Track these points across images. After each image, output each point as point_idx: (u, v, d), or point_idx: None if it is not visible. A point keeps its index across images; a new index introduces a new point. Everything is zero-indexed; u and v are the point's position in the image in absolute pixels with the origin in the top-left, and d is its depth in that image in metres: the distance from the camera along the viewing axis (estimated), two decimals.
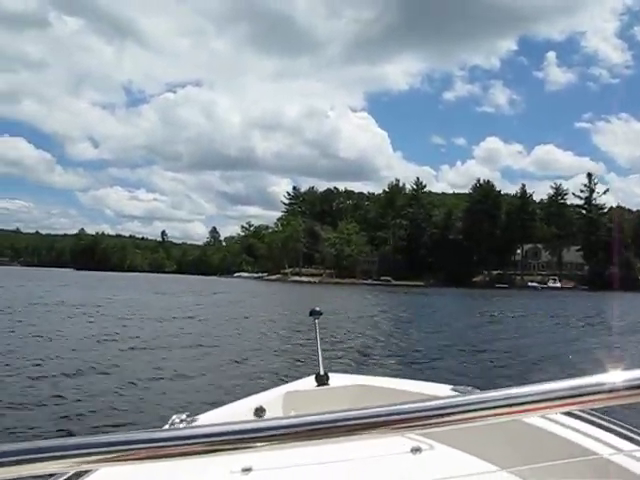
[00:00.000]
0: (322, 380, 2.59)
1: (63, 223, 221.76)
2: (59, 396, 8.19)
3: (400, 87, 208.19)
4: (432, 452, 1.91)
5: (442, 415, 0.71)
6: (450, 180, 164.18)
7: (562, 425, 1.75)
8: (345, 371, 3.37)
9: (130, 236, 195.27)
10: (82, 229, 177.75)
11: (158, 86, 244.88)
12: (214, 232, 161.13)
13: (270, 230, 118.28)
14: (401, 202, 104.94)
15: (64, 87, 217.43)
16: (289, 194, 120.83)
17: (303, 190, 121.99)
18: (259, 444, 0.68)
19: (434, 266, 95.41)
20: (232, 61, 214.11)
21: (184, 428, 0.68)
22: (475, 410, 0.71)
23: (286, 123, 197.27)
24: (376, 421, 0.70)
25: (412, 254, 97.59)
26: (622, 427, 1.65)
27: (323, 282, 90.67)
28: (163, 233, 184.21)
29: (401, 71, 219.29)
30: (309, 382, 2.64)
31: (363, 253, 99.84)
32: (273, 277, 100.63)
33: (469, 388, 2.24)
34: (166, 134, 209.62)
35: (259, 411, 2.20)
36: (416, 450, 1.87)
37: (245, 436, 0.67)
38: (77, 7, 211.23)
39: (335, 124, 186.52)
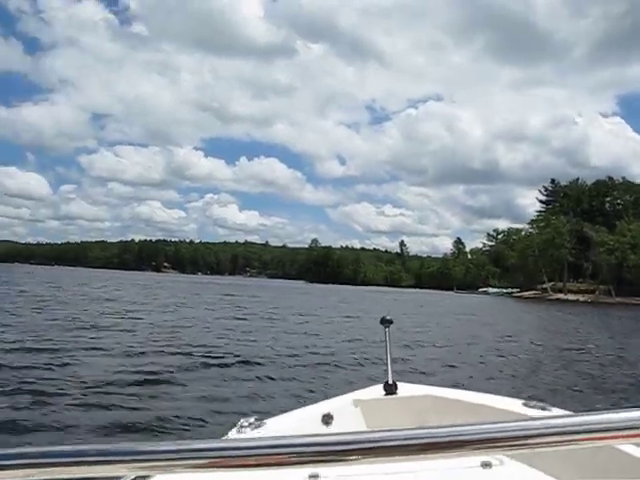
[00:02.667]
0: (390, 389, 2.59)
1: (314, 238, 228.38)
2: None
3: None
4: (504, 468, 1.84)
5: (531, 437, 0.65)
6: None
7: None
8: None
9: (374, 249, 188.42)
10: (315, 239, 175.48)
11: (399, 102, 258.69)
12: (459, 243, 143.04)
13: (523, 233, 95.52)
14: None
15: (311, 109, 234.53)
16: (546, 189, 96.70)
17: (564, 183, 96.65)
18: (353, 457, 0.64)
19: None
20: (471, 73, 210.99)
21: (283, 438, 0.65)
22: (568, 433, 0.64)
23: (530, 133, 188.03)
24: (464, 439, 0.65)
25: None
26: None
27: (598, 302, 67.71)
28: (402, 244, 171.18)
29: None
30: (377, 391, 2.63)
31: None
32: (527, 294, 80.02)
33: (541, 404, 2.24)
34: (410, 149, 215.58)
35: (327, 418, 2.23)
36: (486, 465, 1.82)
37: (338, 448, 0.64)
38: (320, 34, 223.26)
39: (584, 131, 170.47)
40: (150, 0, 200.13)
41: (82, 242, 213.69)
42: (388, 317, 2.79)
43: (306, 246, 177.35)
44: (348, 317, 24.48)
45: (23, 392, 7.04)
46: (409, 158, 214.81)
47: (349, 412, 2.42)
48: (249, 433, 1.96)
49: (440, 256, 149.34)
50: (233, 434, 1.97)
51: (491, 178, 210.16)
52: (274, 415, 2.28)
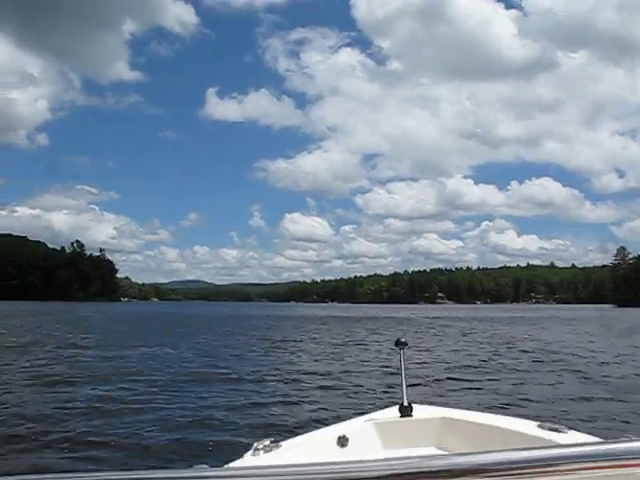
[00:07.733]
0: (405, 411, 2.59)
1: (603, 258, 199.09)
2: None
3: None
4: None
5: (555, 464, 0.63)
6: None
7: None
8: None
9: None
10: (621, 248, 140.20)
11: None
12: None
13: None
14: None
15: (580, 121, 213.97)
16: None
17: None
18: None
19: None
20: None
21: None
22: (593, 461, 0.62)
23: None
24: (486, 467, 0.64)
25: None
26: None
27: None
28: None
29: None
30: (392, 412, 2.64)
31: None
32: None
33: (555, 426, 2.21)
34: None
35: (342, 440, 2.26)
36: None
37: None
38: (579, 40, 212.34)
39: None
40: (401, 37, 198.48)
41: (356, 277, 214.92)
42: (403, 339, 2.81)
43: (596, 265, 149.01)
44: None
45: None
46: None
47: (365, 434, 2.41)
48: (263, 456, 1.96)
49: None
50: (248, 457, 1.97)
51: None
52: (289, 437, 2.24)
